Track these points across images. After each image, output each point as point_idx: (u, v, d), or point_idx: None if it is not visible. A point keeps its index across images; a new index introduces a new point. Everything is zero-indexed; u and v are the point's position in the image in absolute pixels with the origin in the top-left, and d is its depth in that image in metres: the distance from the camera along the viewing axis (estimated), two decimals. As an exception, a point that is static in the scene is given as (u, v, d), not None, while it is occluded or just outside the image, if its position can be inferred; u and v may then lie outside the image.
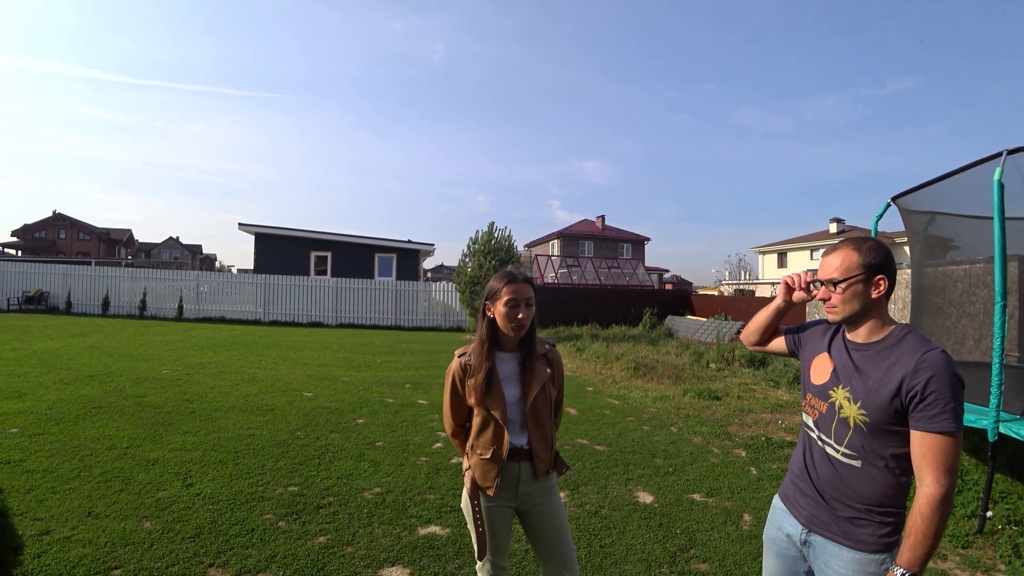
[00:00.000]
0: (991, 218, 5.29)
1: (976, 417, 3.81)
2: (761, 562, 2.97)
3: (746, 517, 3.66)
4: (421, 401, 6.65)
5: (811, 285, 1.68)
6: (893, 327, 1.54)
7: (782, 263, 43.27)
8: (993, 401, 3.70)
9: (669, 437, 5.56)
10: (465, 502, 1.98)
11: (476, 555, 1.93)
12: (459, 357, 1.99)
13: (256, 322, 17.70)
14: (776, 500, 1.76)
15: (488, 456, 1.92)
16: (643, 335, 15.90)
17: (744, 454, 5.09)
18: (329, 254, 21.65)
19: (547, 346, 2.08)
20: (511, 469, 1.95)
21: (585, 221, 46.63)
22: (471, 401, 1.94)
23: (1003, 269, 3.84)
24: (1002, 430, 3.62)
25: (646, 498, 3.92)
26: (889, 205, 5.60)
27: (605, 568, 2.94)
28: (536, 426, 1.97)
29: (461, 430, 2.08)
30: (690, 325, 17.24)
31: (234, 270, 60.64)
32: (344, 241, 21.82)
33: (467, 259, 16.51)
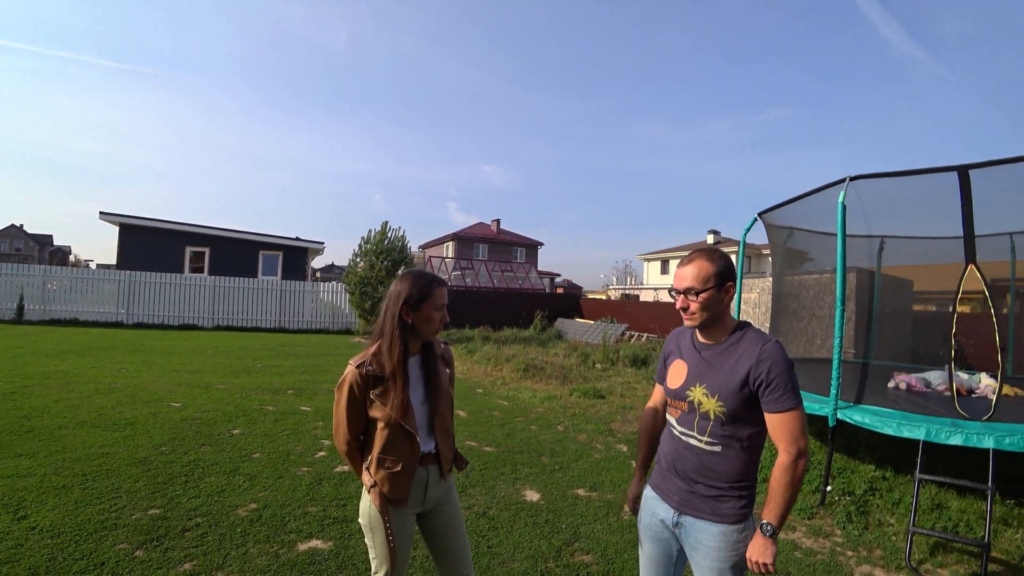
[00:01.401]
0: (835, 235, 6.06)
1: (819, 406, 4.31)
2: (639, 549, 3.17)
3: (626, 508, 3.85)
4: (304, 408, 6.32)
5: (669, 292, 1.83)
6: (734, 325, 1.76)
7: (664, 270, 46.24)
8: (833, 391, 4.21)
9: (556, 436, 5.73)
10: (372, 519, 1.85)
11: (387, 573, 1.84)
12: (358, 367, 1.81)
13: (117, 324, 15.76)
14: (648, 490, 1.91)
15: (398, 468, 1.83)
16: (534, 337, 16.29)
17: (625, 449, 5.36)
18: (207, 250, 19.81)
19: (443, 345, 2.06)
20: (419, 475, 1.90)
21: (481, 224, 46.96)
22: (376, 414, 1.82)
23: (843, 279, 4.37)
24: (840, 416, 4.13)
25: (533, 496, 4.00)
26: (756, 220, 6.18)
27: (493, 568, 2.96)
28: (442, 428, 1.96)
29: (357, 444, 1.93)
30: (579, 327, 17.92)
31: (93, 265, 54.00)
32: (224, 236, 20.11)
33: (358, 259, 15.94)
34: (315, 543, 3.10)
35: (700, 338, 1.80)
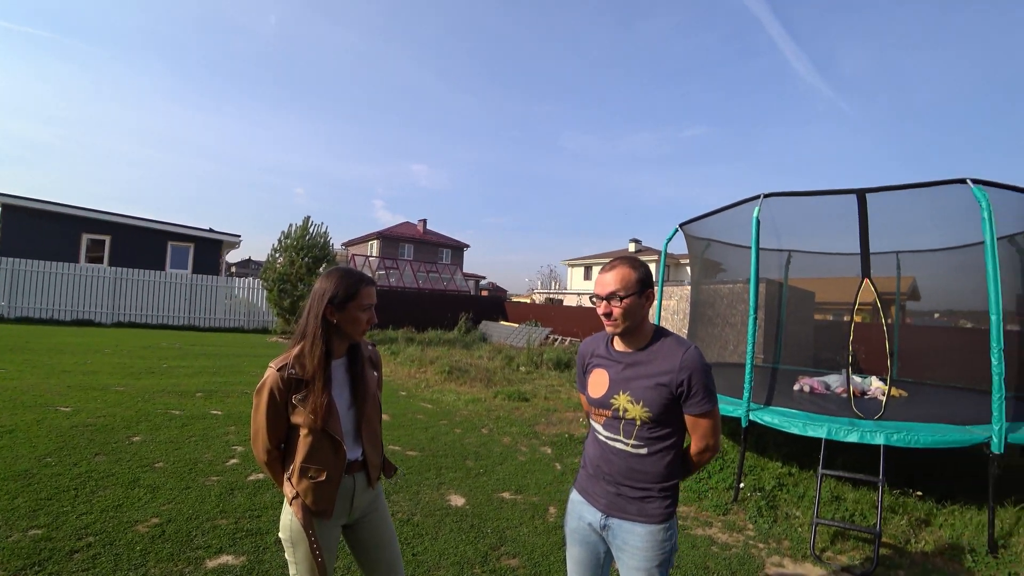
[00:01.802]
0: (748, 247, 6.44)
1: (733, 408, 4.54)
2: (565, 551, 3.19)
3: (551, 510, 3.87)
4: (215, 412, 5.91)
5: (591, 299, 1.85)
6: (653, 331, 1.81)
7: (588, 276, 47.40)
8: (745, 394, 4.44)
9: (480, 439, 5.69)
10: (295, 533, 1.72)
11: None
12: (279, 370, 1.70)
13: (-5, 320, 14.16)
14: (574, 494, 1.92)
15: (323, 478, 1.71)
16: (458, 339, 16.18)
17: (550, 451, 5.41)
18: (108, 238, 17.96)
19: (370, 347, 1.96)
20: (345, 484, 1.78)
21: (407, 224, 46.16)
22: (298, 420, 1.69)
23: (756, 289, 4.63)
24: (752, 417, 4.36)
25: (458, 501, 3.94)
26: (677, 230, 6.44)
27: (417, 577, 2.87)
28: (369, 434, 1.86)
29: (277, 453, 1.79)
30: (503, 330, 18.00)
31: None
32: (128, 224, 18.30)
33: (277, 254, 15.12)
34: (226, 559, 2.88)
35: (617, 346, 1.83)
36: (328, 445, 1.72)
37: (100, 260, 17.80)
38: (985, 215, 3.79)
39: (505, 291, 53.89)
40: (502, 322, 20.16)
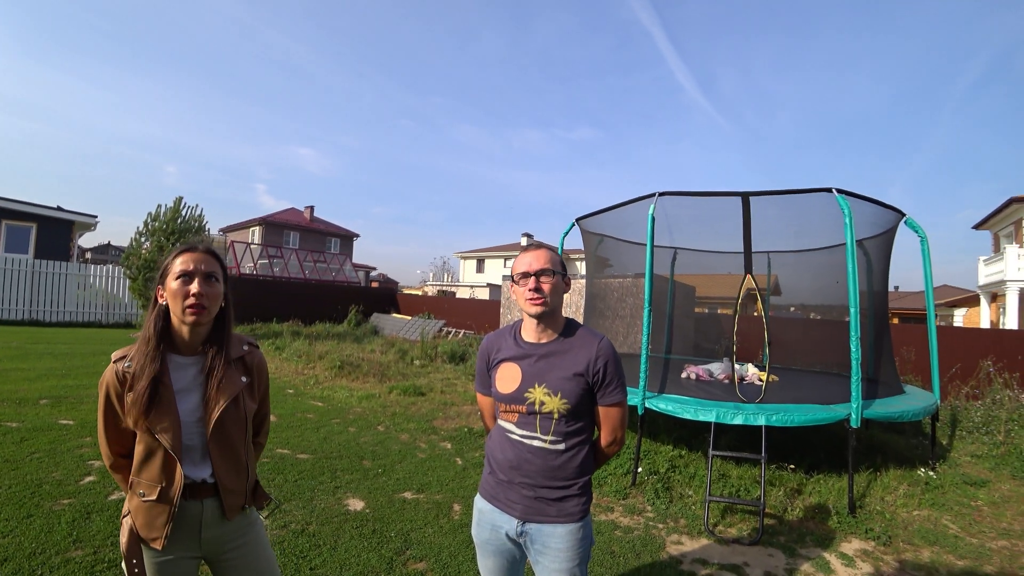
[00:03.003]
0: (639, 244, 6.71)
1: (629, 397, 4.68)
2: (473, 549, 3.09)
3: (456, 507, 3.76)
4: (65, 421, 5.09)
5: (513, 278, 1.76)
6: (565, 322, 1.77)
7: (480, 268, 47.60)
8: (641, 383, 4.60)
9: (377, 437, 5.43)
10: (123, 561, 1.46)
11: None
12: (116, 362, 1.47)
13: None
14: (481, 502, 1.80)
15: (154, 497, 1.44)
16: (348, 332, 15.53)
17: (450, 446, 5.28)
18: None
19: (245, 347, 1.65)
20: (189, 510, 1.49)
21: (292, 210, 43.45)
22: (130, 421, 1.44)
23: (651, 283, 4.79)
24: (648, 405, 4.53)
25: (357, 504, 3.70)
26: (573, 225, 6.56)
27: (314, 592, 2.63)
28: (224, 453, 1.53)
29: (124, 461, 1.53)
30: (396, 323, 17.53)
31: None
32: None
33: (143, 238, 13.32)
34: (80, 594, 2.45)
35: (528, 337, 1.75)
36: (161, 457, 1.45)
37: (-98, 241, 14.86)
38: (847, 221, 4.23)
39: (396, 283, 52.70)
40: (394, 315, 19.63)
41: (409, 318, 17.99)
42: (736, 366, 6.47)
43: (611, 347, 1.69)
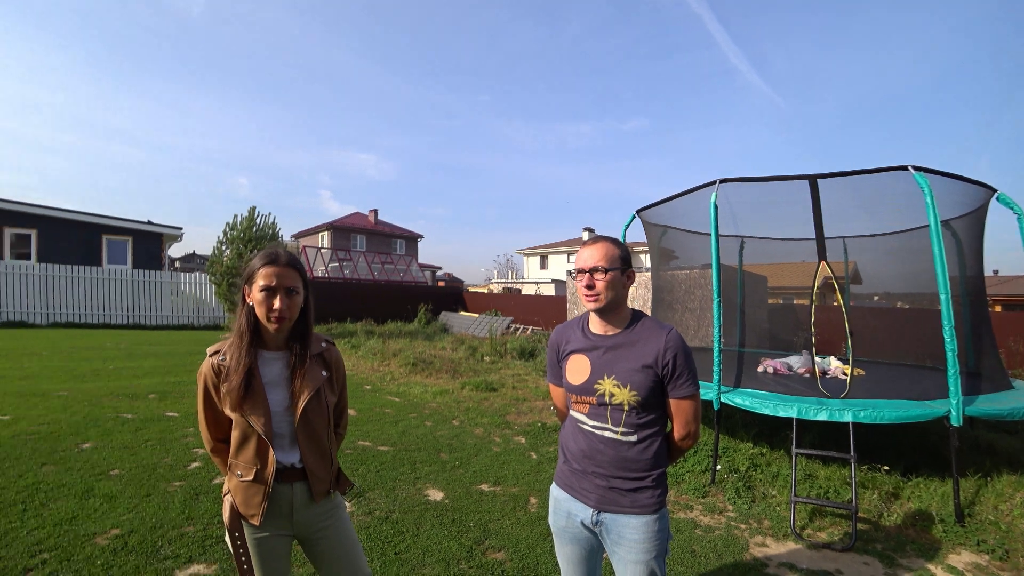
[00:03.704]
0: (704, 233, 6.52)
1: (704, 391, 4.57)
2: (552, 542, 3.12)
3: (532, 500, 3.81)
4: (171, 413, 5.56)
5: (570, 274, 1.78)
6: (631, 314, 1.76)
7: (544, 265, 47.65)
8: (715, 377, 4.48)
9: (452, 431, 5.57)
10: (227, 534, 1.62)
11: None
12: (211, 356, 1.62)
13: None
14: (557, 491, 1.83)
15: (250, 477, 1.58)
16: (419, 331, 15.95)
17: (524, 441, 5.35)
18: (34, 232, 16.56)
19: (324, 344, 1.78)
20: (281, 492, 1.63)
21: (357, 214, 45.06)
22: (227, 409, 1.58)
23: (719, 274, 4.65)
24: (723, 399, 4.41)
25: (436, 495, 3.83)
26: (634, 217, 6.45)
27: (402, 576, 2.75)
28: (310, 440, 1.66)
29: (222, 445, 1.69)
30: (464, 321, 17.85)
31: None
32: (57, 217, 16.90)
33: (224, 247, 14.39)
34: (197, 568, 2.69)
35: (596, 329, 1.76)
36: (254, 442, 1.59)
37: (28, 256, 16.49)
38: (928, 200, 3.89)
39: (462, 282, 53.58)
40: (462, 312, 20.00)
41: (476, 316, 18.28)
42: (817, 359, 6.19)
43: (680, 339, 1.67)
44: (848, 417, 3.86)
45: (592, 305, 1.70)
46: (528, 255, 49.42)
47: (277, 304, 1.57)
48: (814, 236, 5.43)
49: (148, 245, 19.03)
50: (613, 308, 1.71)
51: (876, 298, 10.27)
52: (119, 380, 7.27)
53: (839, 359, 6.19)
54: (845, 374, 5.20)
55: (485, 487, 4.04)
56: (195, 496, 3.54)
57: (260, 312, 1.59)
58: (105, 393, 6.37)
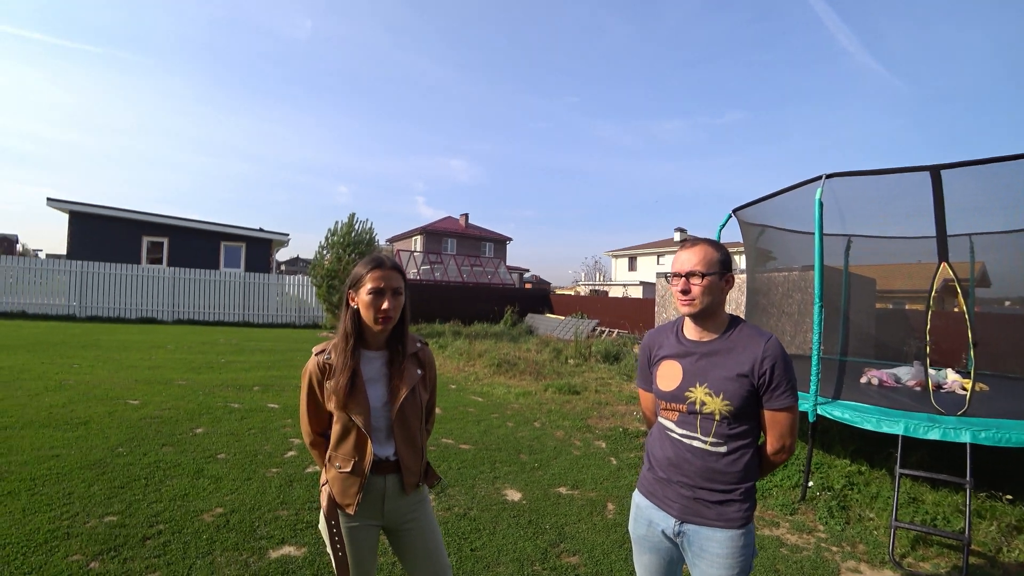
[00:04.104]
0: (805, 233, 6.13)
1: (799, 402, 4.31)
2: (628, 550, 3.10)
3: (610, 506, 3.79)
4: (272, 405, 6.07)
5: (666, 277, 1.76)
6: (728, 320, 1.70)
7: (632, 267, 46.77)
8: (813, 387, 4.22)
9: (533, 432, 5.64)
10: (322, 522, 1.74)
11: None
12: (317, 355, 1.74)
13: (69, 318, 14.97)
14: (639, 498, 1.81)
15: (348, 469, 1.70)
16: (505, 332, 16.19)
17: (604, 445, 5.31)
18: (166, 240, 18.88)
19: (419, 344, 1.88)
20: (375, 484, 1.73)
21: (449, 218, 46.51)
22: (331, 406, 1.70)
23: (821, 276, 4.36)
24: (819, 411, 4.14)
25: (514, 495, 3.90)
26: (730, 216, 6.19)
27: (477, 573, 2.84)
28: (404, 434, 1.76)
29: (321, 439, 1.82)
30: (549, 323, 17.90)
31: (42, 255, 51.37)
32: (184, 226, 19.18)
33: (325, 251, 15.46)
34: (288, 550, 2.93)
35: (691, 335, 1.72)
36: (354, 436, 1.70)
37: (159, 261, 18.70)
38: None
39: (549, 284, 53.70)
40: (548, 315, 20.07)
41: (562, 318, 18.27)
42: (931, 371, 5.65)
43: (779, 347, 1.60)
44: (966, 438, 3.50)
45: (687, 310, 1.67)
46: (616, 257, 48.67)
47: (385, 304, 1.67)
48: (934, 233, 4.98)
49: (259, 250, 20.88)
50: (709, 313, 1.67)
51: (1007, 303, 9.16)
52: (229, 373, 8.01)
53: (957, 372, 5.61)
54: (964, 389, 4.70)
55: (563, 490, 4.06)
56: (289, 483, 3.84)
57: (367, 314, 1.69)
58: (217, 384, 7.05)
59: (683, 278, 1.65)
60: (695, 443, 1.64)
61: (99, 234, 17.92)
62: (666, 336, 1.80)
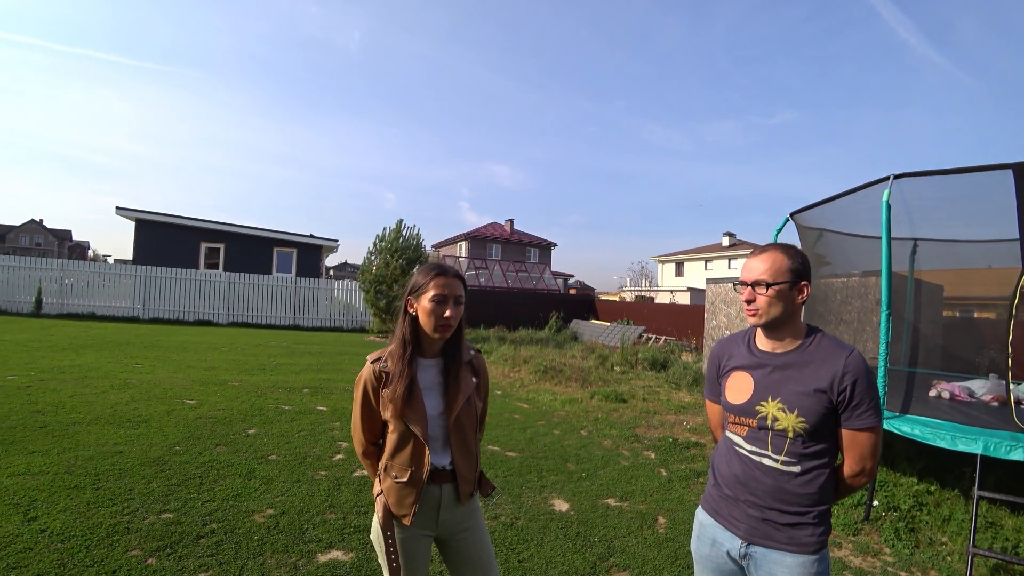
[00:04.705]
0: (867, 237, 5.82)
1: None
2: (680, 566, 2.97)
3: (660, 520, 3.66)
4: (320, 408, 6.18)
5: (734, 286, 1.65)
6: (805, 330, 1.59)
7: (679, 272, 45.89)
8: (880, 401, 3.98)
9: (580, 441, 5.53)
10: (376, 533, 1.70)
11: None
12: (373, 363, 1.70)
13: (134, 319, 15.80)
14: (703, 516, 1.71)
15: (405, 479, 1.65)
16: (550, 338, 16.10)
17: (653, 456, 5.16)
18: (222, 246, 19.84)
19: (472, 352, 1.84)
20: (431, 493, 1.69)
21: (494, 224, 46.77)
22: (387, 415, 1.67)
23: (889, 282, 4.12)
24: (888, 427, 3.89)
25: (562, 506, 3.81)
26: (788, 220, 5.95)
27: (523, 585, 2.78)
28: (460, 443, 1.72)
29: (373, 448, 1.78)
30: (595, 329, 17.69)
31: (110, 260, 54.51)
32: (239, 233, 20.10)
33: (373, 257, 15.75)
34: (336, 554, 2.93)
35: (763, 346, 1.61)
36: (412, 445, 1.66)
37: (216, 266, 19.63)
38: None
39: (593, 289, 53.24)
40: (593, 321, 19.85)
41: (608, 324, 18.02)
42: (1012, 385, 5.26)
43: (862, 362, 1.47)
44: (1054, 458, 3.22)
45: (752, 321, 1.58)
46: (663, 262, 47.84)
47: (448, 312, 1.65)
48: (1017, 236, 4.64)
49: (309, 256, 21.54)
50: (781, 324, 1.57)
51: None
52: (279, 375, 8.21)
53: (1042, 386, 5.19)
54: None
55: (612, 501, 3.95)
56: (337, 486, 3.87)
57: (428, 321, 1.66)
58: (268, 386, 7.23)
59: (748, 287, 1.55)
60: (765, 460, 1.54)
61: (162, 240, 18.98)
62: (737, 345, 1.70)
